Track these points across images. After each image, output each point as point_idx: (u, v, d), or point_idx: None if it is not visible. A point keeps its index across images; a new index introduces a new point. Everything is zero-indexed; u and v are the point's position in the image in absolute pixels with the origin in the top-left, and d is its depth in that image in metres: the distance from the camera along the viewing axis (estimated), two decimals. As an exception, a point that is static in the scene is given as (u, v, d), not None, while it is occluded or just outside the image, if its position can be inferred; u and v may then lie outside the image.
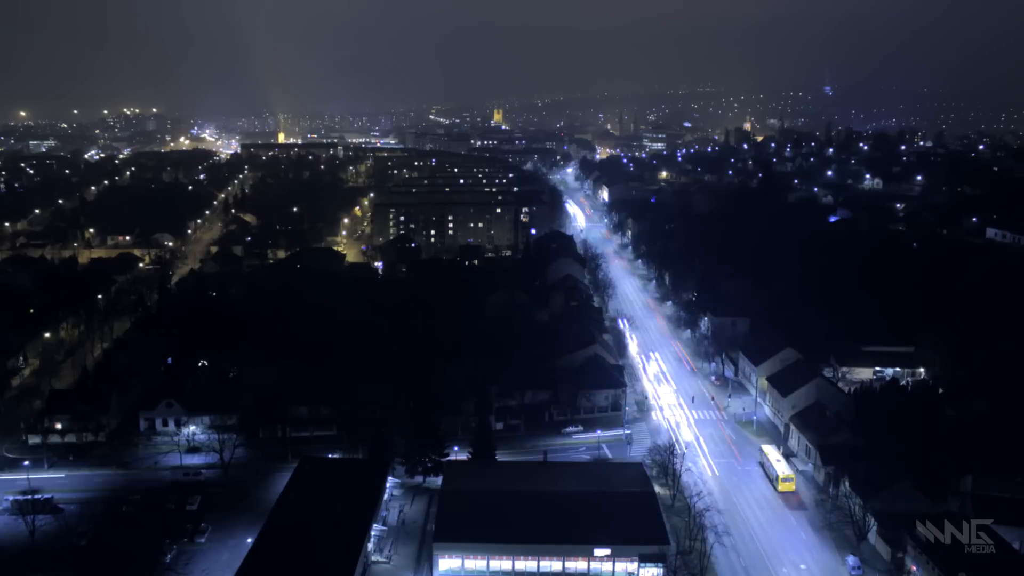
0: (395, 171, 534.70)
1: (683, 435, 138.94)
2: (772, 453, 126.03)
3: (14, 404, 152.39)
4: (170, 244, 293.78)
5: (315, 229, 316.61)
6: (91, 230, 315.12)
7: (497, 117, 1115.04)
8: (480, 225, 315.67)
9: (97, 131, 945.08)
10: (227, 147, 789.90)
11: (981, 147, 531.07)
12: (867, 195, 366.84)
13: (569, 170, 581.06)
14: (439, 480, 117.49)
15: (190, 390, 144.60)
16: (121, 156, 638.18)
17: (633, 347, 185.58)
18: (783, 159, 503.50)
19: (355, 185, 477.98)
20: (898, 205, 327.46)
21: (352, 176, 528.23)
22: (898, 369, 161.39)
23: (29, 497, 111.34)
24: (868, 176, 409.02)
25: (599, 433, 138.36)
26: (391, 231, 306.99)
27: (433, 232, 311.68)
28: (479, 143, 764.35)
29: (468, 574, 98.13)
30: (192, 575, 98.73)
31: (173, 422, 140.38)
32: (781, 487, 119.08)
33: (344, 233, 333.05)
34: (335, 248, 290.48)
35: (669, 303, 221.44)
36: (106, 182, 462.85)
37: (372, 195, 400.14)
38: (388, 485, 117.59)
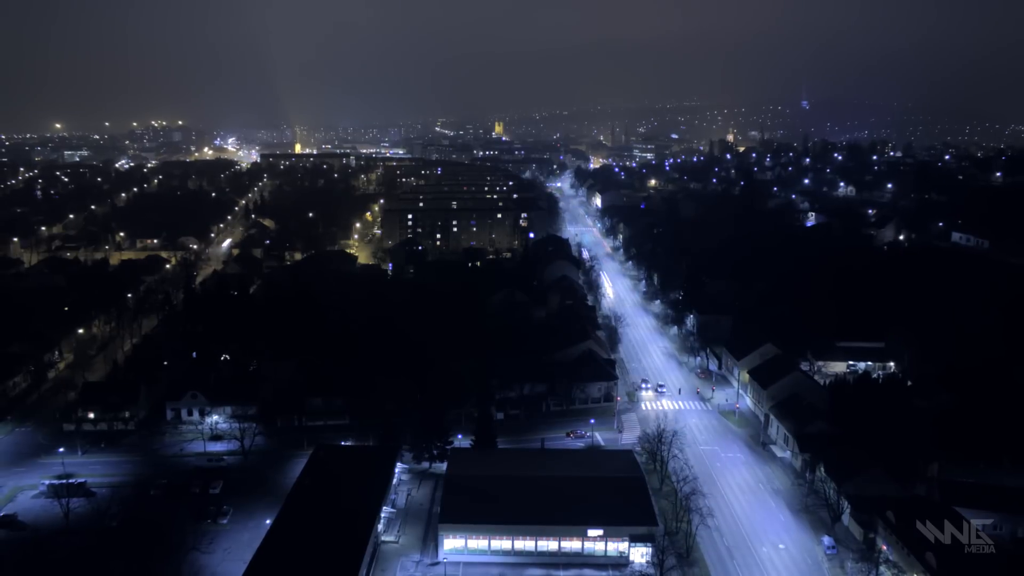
0: (403, 179, 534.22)
1: (670, 424, 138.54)
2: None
3: (50, 395, 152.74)
4: (195, 247, 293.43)
5: (329, 233, 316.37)
6: (121, 234, 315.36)
7: (498, 129, 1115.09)
8: (482, 229, 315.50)
9: (127, 142, 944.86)
10: (248, 157, 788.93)
11: (947, 157, 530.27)
12: (841, 202, 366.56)
13: (565, 178, 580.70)
14: (444, 466, 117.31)
15: (213, 382, 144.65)
16: (149, 165, 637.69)
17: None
18: (763, 168, 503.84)
19: (366, 192, 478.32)
20: (870, 211, 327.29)
21: (363, 184, 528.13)
22: (870, 363, 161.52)
23: (64, 481, 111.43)
24: (842, 184, 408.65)
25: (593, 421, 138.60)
26: (399, 235, 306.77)
27: (439, 236, 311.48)
28: (481, 153, 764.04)
29: (471, 553, 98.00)
30: (215, 554, 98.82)
31: (197, 412, 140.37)
32: None
33: (356, 237, 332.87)
34: (348, 251, 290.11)
35: (657, 302, 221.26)
36: (135, 189, 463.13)
37: (382, 201, 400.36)
38: (397, 471, 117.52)
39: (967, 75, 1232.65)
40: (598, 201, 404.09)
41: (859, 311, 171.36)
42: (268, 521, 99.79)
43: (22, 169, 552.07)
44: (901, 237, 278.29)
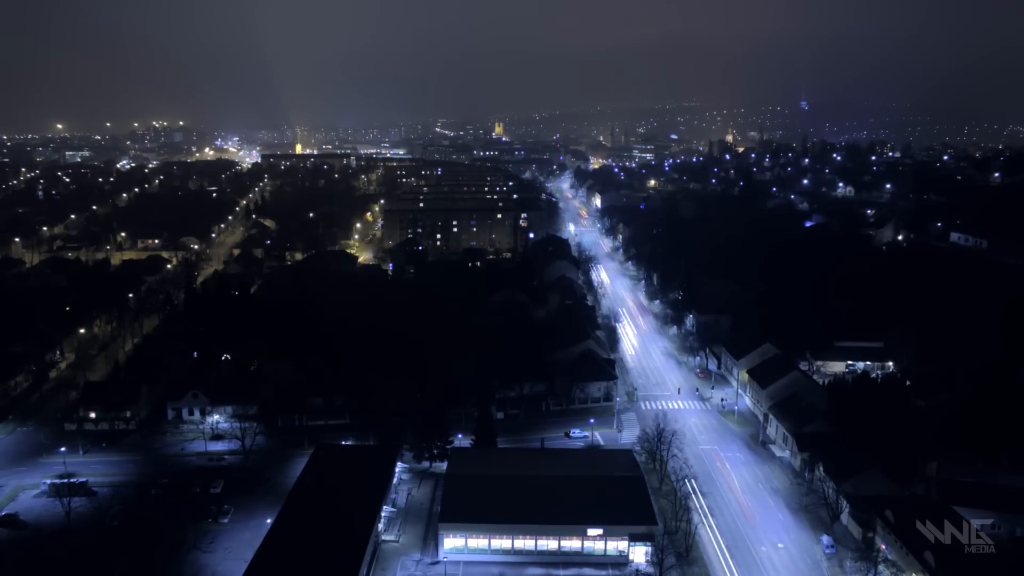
0: (404, 179, 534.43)
1: (670, 424, 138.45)
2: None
3: (52, 395, 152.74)
4: (196, 247, 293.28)
5: (330, 233, 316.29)
6: (123, 234, 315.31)
7: (498, 130, 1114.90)
8: (482, 230, 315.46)
9: (128, 142, 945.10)
10: (248, 157, 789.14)
11: (945, 158, 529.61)
12: (840, 202, 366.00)
13: (565, 179, 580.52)
14: (444, 465, 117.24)
15: (214, 382, 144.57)
16: (150, 166, 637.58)
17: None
18: (762, 168, 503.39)
19: (367, 193, 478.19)
20: (868, 211, 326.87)
21: (364, 184, 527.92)
22: (868, 363, 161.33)
23: (65, 481, 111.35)
24: (841, 184, 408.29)
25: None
26: (400, 235, 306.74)
27: (439, 236, 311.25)
28: (481, 154, 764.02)
29: (471, 552, 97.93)
30: (216, 553, 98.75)
31: (198, 411, 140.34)
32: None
33: (356, 237, 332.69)
34: (348, 251, 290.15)
35: (657, 301, 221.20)
36: (136, 190, 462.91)
37: (382, 202, 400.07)
38: (397, 470, 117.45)
39: (966, 76, 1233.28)
40: (598, 201, 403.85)
41: (858, 311, 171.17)
42: (269, 520, 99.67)
43: (23, 169, 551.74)
44: (900, 237, 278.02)
